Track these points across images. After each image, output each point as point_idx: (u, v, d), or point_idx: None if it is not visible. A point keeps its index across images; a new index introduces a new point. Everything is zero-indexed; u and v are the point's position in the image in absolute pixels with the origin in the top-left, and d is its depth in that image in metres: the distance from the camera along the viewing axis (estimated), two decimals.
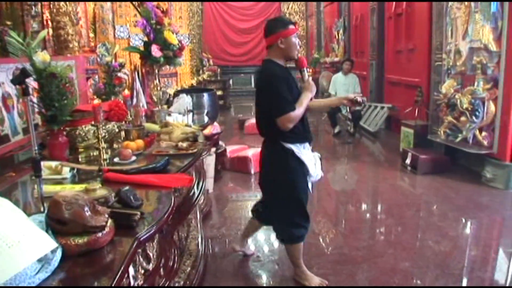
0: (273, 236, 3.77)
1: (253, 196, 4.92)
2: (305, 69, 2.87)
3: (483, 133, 5.07)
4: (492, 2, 4.81)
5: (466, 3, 5.21)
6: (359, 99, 2.88)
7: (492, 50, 4.86)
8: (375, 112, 8.45)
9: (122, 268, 1.34)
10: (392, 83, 8.41)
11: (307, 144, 2.89)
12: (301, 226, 2.87)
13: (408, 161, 5.82)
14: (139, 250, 1.71)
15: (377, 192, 5.24)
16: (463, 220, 4.10)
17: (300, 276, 2.99)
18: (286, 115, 2.63)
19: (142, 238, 1.56)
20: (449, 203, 4.47)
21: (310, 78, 2.91)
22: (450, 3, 5.60)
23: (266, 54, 2.87)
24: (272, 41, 2.76)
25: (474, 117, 5.09)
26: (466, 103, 5.12)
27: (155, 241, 1.95)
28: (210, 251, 3.53)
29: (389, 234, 3.92)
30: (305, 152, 2.84)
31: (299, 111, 2.69)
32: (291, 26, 2.77)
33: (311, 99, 2.85)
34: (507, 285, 3.04)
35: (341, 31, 11.58)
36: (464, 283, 3.03)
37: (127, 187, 1.83)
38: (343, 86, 8.27)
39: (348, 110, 8.14)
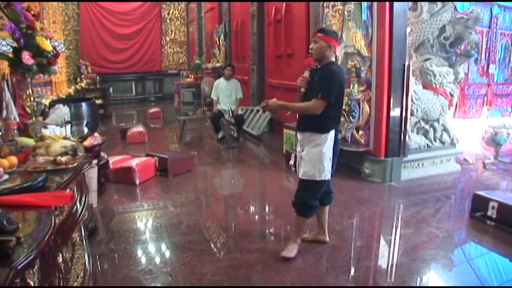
0: (163, 246, 3.65)
1: (140, 206, 4.72)
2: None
3: (360, 132, 5.41)
4: (363, 12, 5.15)
5: (339, 11, 5.52)
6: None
7: (364, 55, 5.22)
8: (258, 116, 8.63)
9: None
10: (273, 87, 8.67)
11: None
12: None
13: (291, 162, 5.99)
14: (17, 280, 1.48)
15: (264, 194, 5.32)
16: (347, 215, 4.31)
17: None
18: None
19: (20, 266, 1.36)
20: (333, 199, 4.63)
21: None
22: (325, 11, 5.90)
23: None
24: None
25: (351, 117, 5.41)
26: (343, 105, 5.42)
27: (36, 267, 1.72)
28: (99, 268, 3.28)
29: (279, 234, 3.98)
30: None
31: None
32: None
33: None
34: (389, 269, 3.27)
35: (222, 37, 11.67)
36: (352, 273, 3.18)
37: None
38: (225, 91, 8.35)
39: (231, 114, 8.22)
